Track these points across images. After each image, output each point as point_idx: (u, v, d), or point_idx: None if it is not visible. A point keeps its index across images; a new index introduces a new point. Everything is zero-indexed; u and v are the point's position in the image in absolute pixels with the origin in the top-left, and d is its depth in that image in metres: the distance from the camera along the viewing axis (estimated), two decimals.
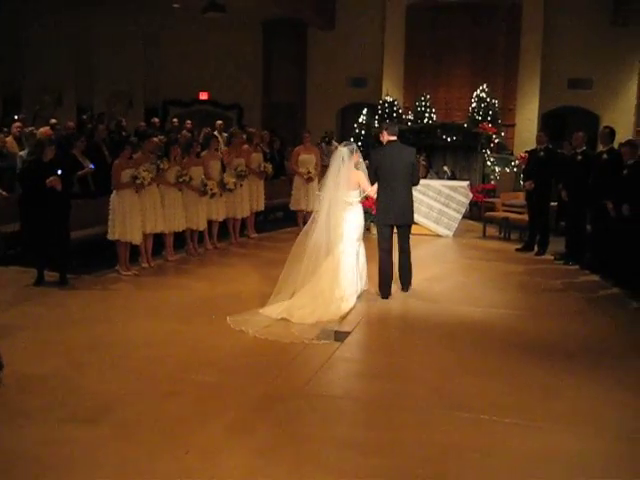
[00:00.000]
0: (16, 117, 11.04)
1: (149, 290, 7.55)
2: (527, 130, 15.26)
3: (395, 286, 7.43)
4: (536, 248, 10.07)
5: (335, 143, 12.84)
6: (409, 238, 7.46)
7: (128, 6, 16.64)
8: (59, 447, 3.82)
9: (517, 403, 4.62)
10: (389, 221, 7.25)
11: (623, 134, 12.19)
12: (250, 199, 10.61)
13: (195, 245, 9.42)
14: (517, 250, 10.29)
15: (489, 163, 14.33)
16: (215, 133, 11.90)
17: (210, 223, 9.68)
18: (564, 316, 6.85)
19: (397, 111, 15.29)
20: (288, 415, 4.36)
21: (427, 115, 15.06)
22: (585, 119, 15.40)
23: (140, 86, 18.13)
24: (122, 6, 16.51)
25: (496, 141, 14.59)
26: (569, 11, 15.35)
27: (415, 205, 7.51)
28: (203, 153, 9.72)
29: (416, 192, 7.52)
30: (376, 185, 7.18)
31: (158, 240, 8.73)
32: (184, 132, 11.93)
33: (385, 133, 7.35)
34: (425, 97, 15.22)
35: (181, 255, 9.20)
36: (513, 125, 15.68)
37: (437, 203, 11.50)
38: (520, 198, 11.66)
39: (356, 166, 7.09)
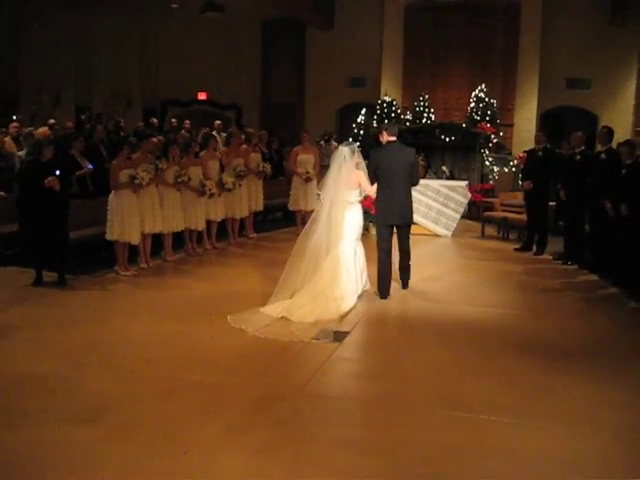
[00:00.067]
0: (14, 117, 11.01)
1: (148, 290, 7.55)
2: (525, 130, 15.29)
3: (395, 285, 7.44)
4: (535, 248, 10.08)
5: (334, 142, 12.86)
6: (409, 238, 7.48)
7: (127, 6, 16.64)
8: (58, 447, 3.82)
9: (515, 403, 4.63)
10: (388, 221, 7.26)
11: (621, 134, 12.21)
12: (249, 199, 10.61)
13: (194, 245, 9.42)
14: (515, 250, 10.30)
15: (488, 163, 14.36)
16: (214, 133, 11.91)
17: (209, 223, 9.67)
18: (562, 316, 6.86)
19: (396, 111, 15.32)
20: (287, 415, 4.36)
21: (426, 115, 15.10)
22: (583, 119, 15.43)
23: (138, 86, 18.15)
24: (120, 6, 16.51)
25: (495, 141, 14.62)
26: (567, 11, 15.40)
27: (414, 205, 7.53)
28: (202, 153, 9.72)
29: (415, 192, 7.54)
30: (376, 185, 7.20)
31: (157, 240, 8.73)
32: (182, 132, 11.93)
33: (385, 133, 7.37)
34: (424, 97, 15.24)
35: (180, 255, 9.20)
36: (511, 125, 15.72)
37: (436, 203, 11.52)
38: (519, 198, 11.67)
39: (357, 166, 7.11)
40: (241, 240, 10.62)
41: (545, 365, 5.34)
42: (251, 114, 18.02)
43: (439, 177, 13.44)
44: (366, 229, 8.21)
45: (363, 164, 7.26)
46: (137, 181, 7.87)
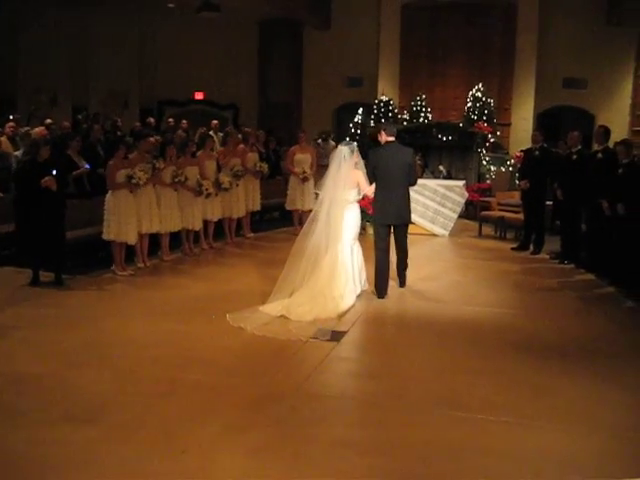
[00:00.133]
0: (11, 117, 10.99)
1: (145, 290, 7.54)
2: (522, 129, 15.29)
3: (392, 284, 7.45)
4: (531, 247, 10.09)
5: (332, 142, 12.86)
6: (406, 237, 7.49)
7: (124, 6, 16.60)
8: (57, 447, 3.82)
9: (512, 402, 4.63)
10: (386, 221, 7.28)
11: (618, 133, 12.22)
12: (246, 199, 10.60)
13: (191, 245, 9.41)
14: (512, 249, 10.31)
15: (485, 162, 14.37)
16: (211, 133, 11.90)
17: (206, 223, 9.66)
18: (559, 315, 6.87)
19: (393, 111, 15.32)
20: (284, 415, 4.36)
21: (423, 115, 15.10)
22: (580, 118, 15.45)
23: (135, 86, 18.11)
24: (118, 6, 16.47)
25: (491, 140, 14.64)
26: (564, 11, 15.41)
27: (411, 205, 7.53)
28: (199, 153, 9.71)
29: (412, 192, 7.56)
30: (374, 185, 7.22)
31: (154, 240, 8.72)
32: (179, 132, 11.92)
33: (383, 133, 7.38)
34: (421, 97, 15.24)
35: (177, 255, 9.19)
36: (508, 124, 15.72)
37: (433, 202, 11.52)
38: (515, 197, 11.68)
39: (355, 166, 7.13)
40: (238, 240, 10.62)
41: (542, 364, 5.35)
42: (248, 114, 18.00)
43: (436, 177, 13.45)
44: (363, 229, 8.23)
45: (362, 163, 7.28)
46: (134, 181, 7.86)
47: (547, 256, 9.77)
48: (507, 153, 14.90)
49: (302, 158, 11.25)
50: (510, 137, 15.66)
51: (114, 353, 5.39)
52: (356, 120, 15.22)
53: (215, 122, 13.66)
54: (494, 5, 15.63)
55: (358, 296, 7.04)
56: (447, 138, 14.39)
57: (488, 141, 14.54)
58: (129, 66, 17.83)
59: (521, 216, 10.61)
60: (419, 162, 12.78)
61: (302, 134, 11.59)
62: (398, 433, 4.14)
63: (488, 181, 14.06)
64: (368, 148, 11.17)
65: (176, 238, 9.21)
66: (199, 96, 18.62)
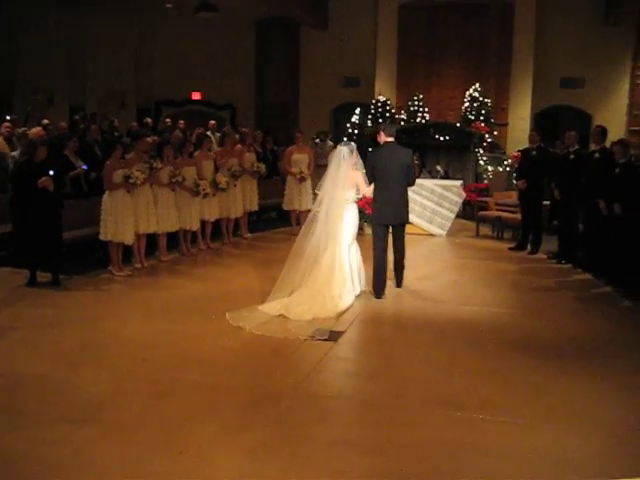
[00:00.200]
0: (7, 117, 10.97)
1: (142, 290, 7.53)
2: (520, 129, 15.30)
3: (389, 283, 7.46)
4: (529, 247, 10.11)
5: (330, 141, 12.87)
6: (404, 237, 7.52)
7: (122, 7, 16.59)
8: (54, 447, 3.82)
9: (510, 401, 4.64)
10: (384, 221, 7.30)
11: (615, 133, 12.25)
12: (243, 199, 10.61)
13: (188, 245, 9.41)
14: (510, 249, 10.32)
15: (482, 162, 14.38)
16: (208, 133, 11.90)
17: (203, 223, 9.67)
18: (556, 315, 6.87)
19: (390, 111, 15.32)
20: (282, 415, 4.37)
21: (420, 114, 15.10)
22: (577, 118, 15.47)
23: (133, 86, 18.09)
24: (117, 7, 16.46)
25: (489, 140, 14.64)
26: (561, 11, 15.42)
27: (409, 205, 7.55)
28: (196, 153, 9.71)
29: (409, 191, 7.57)
30: (372, 186, 7.25)
31: (151, 240, 8.71)
32: (177, 132, 11.91)
33: (382, 134, 7.40)
34: (418, 96, 15.25)
35: (174, 255, 9.19)
36: (506, 124, 15.73)
37: (430, 202, 11.53)
38: (513, 197, 11.70)
39: (354, 166, 7.15)
40: (235, 240, 10.62)
41: (539, 364, 5.36)
42: (245, 114, 18.00)
43: (434, 176, 13.46)
44: (361, 229, 8.23)
45: (360, 164, 7.29)
46: (131, 180, 7.85)
47: (544, 256, 9.78)
48: (504, 153, 14.92)
49: (299, 158, 11.25)
50: (507, 137, 15.67)
51: (112, 353, 5.39)
52: (353, 120, 15.22)
53: (212, 122, 13.67)
54: (491, 5, 15.64)
55: (357, 296, 7.06)
56: (444, 138, 14.40)
57: (485, 141, 14.55)
58: (126, 66, 17.82)
59: (518, 216, 10.63)
60: (416, 162, 12.80)
61: (299, 134, 11.60)
62: (396, 433, 4.14)
63: (485, 181, 14.06)
64: (366, 148, 11.19)
65: (173, 238, 9.21)
66: (196, 96, 18.61)
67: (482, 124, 14.45)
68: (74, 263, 8.13)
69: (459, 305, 7.14)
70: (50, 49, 16.22)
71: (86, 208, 8.41)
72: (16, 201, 7.41)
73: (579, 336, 6.18)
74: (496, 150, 14.90)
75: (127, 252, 8.31)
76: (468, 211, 13.10)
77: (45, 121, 11.36)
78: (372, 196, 7.32)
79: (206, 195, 9.29)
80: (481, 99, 14.75)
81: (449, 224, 11.61)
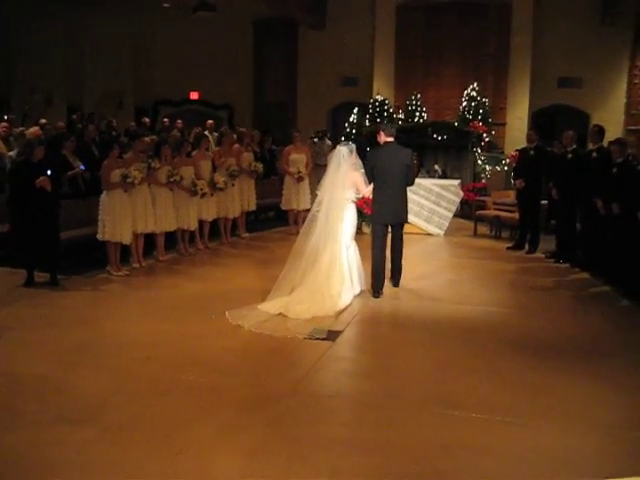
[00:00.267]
0: (5, 117, 10.95)
1: (141, 290, 7.53)
2: (517, 129, 15.32)
3: (387, 283, 7.47)
4: (527, 246, 10.11)
5: (328, 141, 12.86)
6: (402, 237, 7.53)
7: (120, 7, 16.57)
8: (53, 448, 3.81)
9: (507, 401, 4.64)
10: (383, 220, 7.31)
11: (613, 132, 12.26)
12: (241, 199, 10.60)
13: (186, 245, 9.40)
14: (508, 248, 10.33)
15: (480, 162, 14.39)
16: (206, 133, 11.89)
17: (201, 223, 9.66)
18: (554, 314, 6.87)
19: (388, 110, 15.33)
20: (280, 415, 4.36)
21: (418, 114, 15.11)
22: (575, 118, 15.49)
23: (130, 86, 18.07)
24: (114, 6, 16.44)
25: (487, 140, 14.66)
26: (559, 11, 15.44)
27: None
28: (194, 153, 9.70)
29: (407, 191, 7.58)
30: (371, 186, 7.26)
31: (149, 240, 8.71)
32: (174, 132, 11.90)
33: (382, 134, 7.41)
34: (416, 96, 15.26)
35: (172, 255, 9.18)
36: (504, 124, 15.75)
37: (428, 202, 11.53)
38: (511, 196, 11.70)
39: (353, 166, 7.16)
40: (233, 240, 10.61)
41: (537, 363, 5.36)
42: (243, 114, 17.99)
43: (432, 176, 13.46)
44: (359, 228, 8.24)
45: (360, 164, 7.31)
46: (129, 180, 7.84)
47: (542, 255, 9.79)
48: (502, 152, 14.94)
49: (297, 158, 11.25)
50: (505, 136, 15.69)
51: (110, 353, 5.38)
52: (351, 120, 15.22)
53: (210, 122, 13.65)
54: (489, 5, 15.66)
55: (356, 296, 7.07)
56: (442, 137, 14.41)
57: (483, 140, 14.57)
58: (124, 66, 17.79)
59: (516, 215, 10.63)
60: (414, 161, 12.81)
61: (297, 134, 11.59)
62: (394, 432, 4.14)
63: (483, 180, 14.09)
64: (364, 147, 11.19)
65: (171, 238, 9.20)
66: (194, 96, 18.60)
67: (480, 124, 14.47)
68: (72, 263, 8.11)
69: (457, 304, 7.14)
70: (48, 49, 16.18)
71: (84, 208, 8.40)
72: (13, 201, 7.40)
73: (577, 335, 6.18)
74: (494, 150, 14.92)
75: (125, 252, 8.30)
76: (466, 210, 13.11)
77: (43, 121, 11.36)
78: (371, 196, 7.33)
79: (204, 195, 9.28)
80: (479, 99, 14.77)
81: (447, 223, 11.61)
